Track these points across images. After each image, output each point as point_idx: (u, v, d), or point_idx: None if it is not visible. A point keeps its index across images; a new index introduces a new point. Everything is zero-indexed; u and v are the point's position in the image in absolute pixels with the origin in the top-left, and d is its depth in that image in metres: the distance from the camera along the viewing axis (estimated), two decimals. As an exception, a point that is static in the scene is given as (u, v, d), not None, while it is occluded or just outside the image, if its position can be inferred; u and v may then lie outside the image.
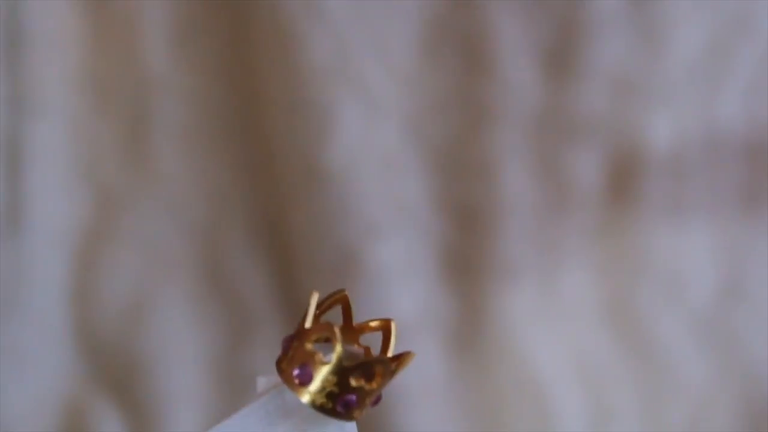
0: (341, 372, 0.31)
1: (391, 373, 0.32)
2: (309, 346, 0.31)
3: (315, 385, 0.31)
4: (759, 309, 0.53)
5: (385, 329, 0.33)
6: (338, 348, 0.31)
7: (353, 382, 0.31)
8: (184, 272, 0.53)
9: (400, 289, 0.52)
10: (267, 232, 0.53)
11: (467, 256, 0.53)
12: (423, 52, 0.52)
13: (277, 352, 0.53)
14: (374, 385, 0.31)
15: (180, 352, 0.53)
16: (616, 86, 0.51)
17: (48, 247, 0.53)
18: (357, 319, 0.50)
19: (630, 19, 0.51)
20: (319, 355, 0.31)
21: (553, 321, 0.53)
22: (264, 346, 0.53)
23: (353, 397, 0.31)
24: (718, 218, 0.53)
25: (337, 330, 0.31)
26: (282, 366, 0.31)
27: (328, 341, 0.31)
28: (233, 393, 0.53)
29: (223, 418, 0.56)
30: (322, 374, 0.31)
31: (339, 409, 0.31)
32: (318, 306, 0.32)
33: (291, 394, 0.31)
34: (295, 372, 0.31)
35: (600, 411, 0.53)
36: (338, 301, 0.33)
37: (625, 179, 0.52)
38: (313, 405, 0.31)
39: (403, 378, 0.53)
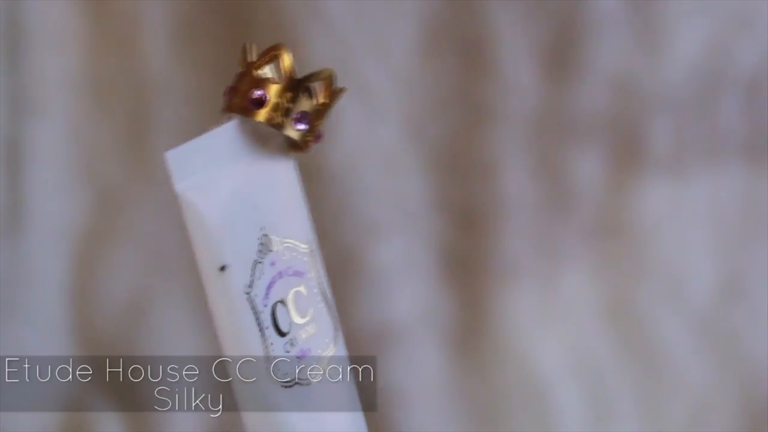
0: (293, 85, 0.32)
1: (337, 92, 0.33)
2: (258, 72, 0.32)
3: (270, 103, 0.32)
4: (759, 309, 0.53)
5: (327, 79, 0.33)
6: (287, 58, 0.32)
7: (305, 100, 0.32)
8: (184, 272, 0.53)
9: (400, 289, 0.52)
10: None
11: (467, 256, 0.53)
12: (423, 52, 0.52)
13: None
14: (323, 99, 0.32)
15: (180, 352, 0.53)
16: (616, 86, 0.51)
17: (48, 247, 0.53)
18: (356, 318, 0.50)
19: (630, 19, 0.51)
20: (272, 78, 0.32)
21: (553, 321, 0.53)
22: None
23: (306, 114, 0.32)
24: (718, 218, 0.53)
25: (283, 45, 0.32)
26: (235, 101, 0.32)
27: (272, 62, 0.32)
28: (233, 393, 0.53)
29: (223, 417, 0.56)
30: (275, 91, 0.32)
31: (295, 126, 0.32)
32: (252, 64, 0.33)
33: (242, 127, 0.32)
34: (253, 95, 0.32)
35: (600, 411, 0.53)
36: (276, 56, 0.33)
37: (625, 179, 0.52)
38: (271, 122, 0.32)
39: (403, 378, 0.53)
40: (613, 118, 0.52)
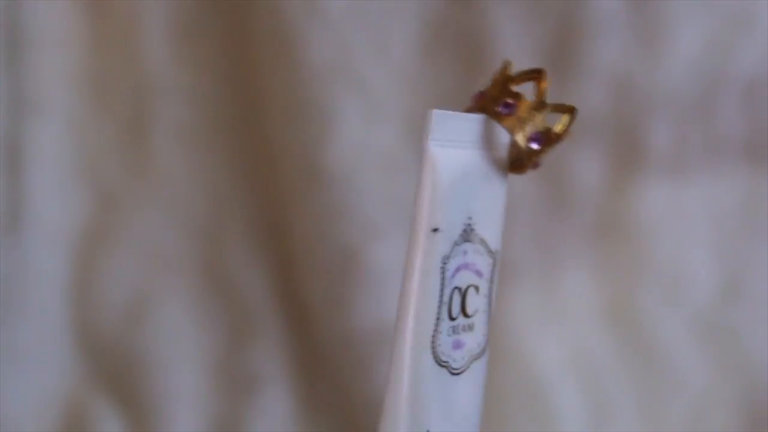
0: (541, 107, 0.35)
1: (570, 130, 0.35)
2: (514, 87, 0.35)
3: (517, 115, 0.35)
4: (759, 309, 0.53)
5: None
6: (545, 82, 0.35)
7: (544, 125, 0.35)
8: (184, 272, 0.53)
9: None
10: (267, 232, 0.53)
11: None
12: (423, 52, 0.52)
13: (277, 351, 0.53)
14: (558, 130, 0.35)
15: (180, 352, 0.53)
16: (616, 86, 0.51)
17: (48, 247, 0.53)
18: (356, 318, 0.50)
19: (630, 19, 0.51)
20: (522, 95, 0.35)
21: (553, 321, 0.53)
22: (264, 346, 0.53)
23: (542, 136, 0.35)
24: (718, 218, 0.53)
25: (544, 70, 0.36)
26: (484, 103, 0.35)
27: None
28: (233, 393, 0.53)
29: (222, 418, 0.56)
30: (525, 106, 0.35)
31: (529, 143, 0.35)
32: (510, 78, 0.36)
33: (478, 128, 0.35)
34: (505, 102, 0.35)
35: (600, 411, 0.53)
36: (535, 77, 0.36)
37: (625, 179, 0.52)
38: (511, 130, 0.35)
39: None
40: (613, 118, 0.52)
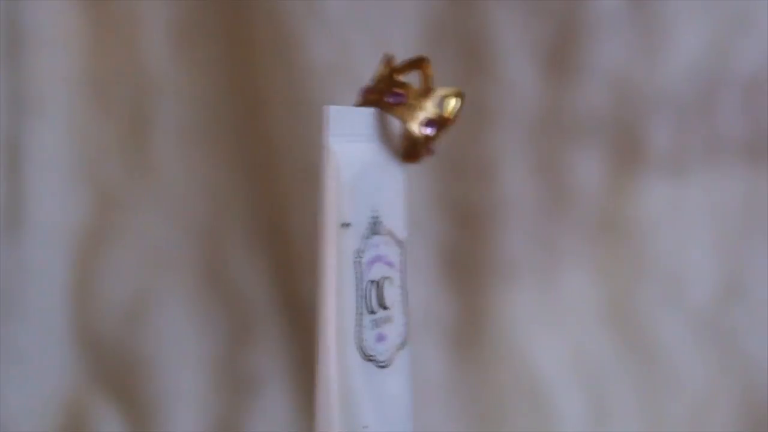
0: (429, 94, 0.35)
1: (459, 113, 0.36)
2: (399, 77, 0.36)
3: (407, 104, 0.35)
4: (759, 309, 0.53)
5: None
6: (430, 69, 0.36)
7: (434, 110, 0.35)
8: (184, 272, 0.53)
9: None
10: (267, 232, 0.53)
11: (467, 256, 0.53)
12: (423, 52, 0.51)
13: (277, 351, 0.53)
14: (448, 115, 0.35)
15: (180, 352, 0.53)
16: (616, 86, 0.51)
17: (48, 247, 0.53)
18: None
19: (630, 19, 0.51)
20: (409, 84, 0.35)
21: (553, 320, 0.53)
22: (264, 346, 0.53)
23: (434, 121, 0.35)
24: (718, 218, 0.53)
25: (427, 57, 0.36)
26: (373, 96, 0.35)
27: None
28: (233, 393, 0.53)
29: (223, 417, 0.56)
30: (413, 94, 0.36)
31: (423, 129, 0.35)
32: (395, 69, 0.36)
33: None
34: (394, 93, 0.35)
35: (600, 411, 0.53)
36: (419, 65, 0.37)
37: (625, 179, 0.52)
38: (403, 119, 0.35)
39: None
40: (613, 118, 0.52)
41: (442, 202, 0.53)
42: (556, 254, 0.53)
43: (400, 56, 0.52)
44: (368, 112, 0.35)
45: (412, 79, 0.37)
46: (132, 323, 0.53)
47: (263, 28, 0.51)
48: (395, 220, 0.35)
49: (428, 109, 0.35)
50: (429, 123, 0.35)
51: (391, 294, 0.35)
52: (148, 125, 0.53)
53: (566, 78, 0.51)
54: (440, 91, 0.36)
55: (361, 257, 0.33)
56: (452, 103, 0.36)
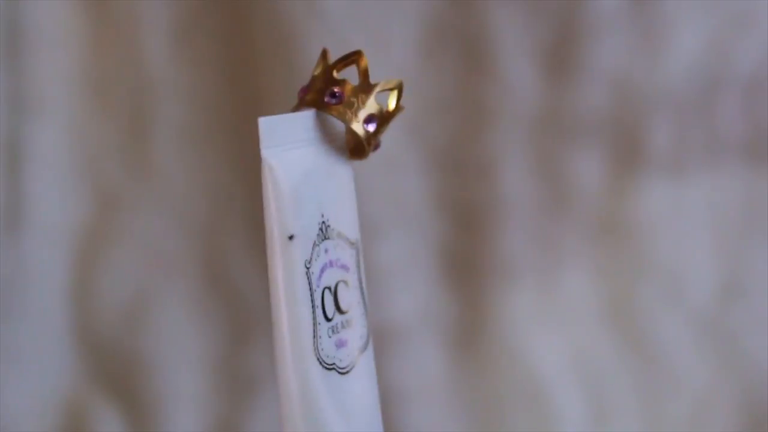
0: (367, 89, 0.35)
1: (401, 106, 0.35)
2: (336, 74, 0.35)
3: (345, 101, 0.34)
4: (759, 309, 0.53)
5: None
6: (365, 62, 0.35)
7: (375, 104, 0.35)
8: (184, 272, 0.53)
9: (401, 288, 0.52)
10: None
11: (467, 255, 0.53)
12: (423, 52, 0.52)
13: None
14: (390, 108, 0.35)
15: (180, 352, 0.53)
16: (616, 86, 0.51)
17: (48, 247, 0.53)
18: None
19: (630, 19, 0.51)
20: (347, 80, 0.35)
21: (553, 321, 0.53)
22: (264, 346, 0.53)
23: (375, 117, 0.35)
24: (718, 218, 0.53)
25: (361, 51, 0.35)
26: (310, 96, 0.35)
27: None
28: (233, 393, 0.53)
29: (223, 417, 0.56)
30: (350, 90, 0.35)
31: (365, 126, 0.35)
32: (331, 66, 0.35)
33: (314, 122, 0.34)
34: (330, 91, 0.34)
35: (600, 411, 0.53)
36: (354, 60, 0.36)
37: (625, 179, 0.52)
38: (342, 118, 0.34)
39: (403, 378, 0.53)
40: (613, 118, 0.52)
41: (442, 202, 0.52)
42: (556, 254, 0.53)
43: (400, 56, 0.52)
44: (305, 116, 0.34)
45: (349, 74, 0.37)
46: (132, 323, 0.53)
47: (263, 27, 0.51)
48: (346, 222, 0.35)
49: (368, 104, 0.35)
50: (370, 119, 0.35)
51: (348, 297, 0.34)
52: (148, 125, 0.53)
53: (566, 78, 0.51)
54: (380, 85, 0.35)
55: (309, 266, 0.33)
56: (393, 96, 0.35)
